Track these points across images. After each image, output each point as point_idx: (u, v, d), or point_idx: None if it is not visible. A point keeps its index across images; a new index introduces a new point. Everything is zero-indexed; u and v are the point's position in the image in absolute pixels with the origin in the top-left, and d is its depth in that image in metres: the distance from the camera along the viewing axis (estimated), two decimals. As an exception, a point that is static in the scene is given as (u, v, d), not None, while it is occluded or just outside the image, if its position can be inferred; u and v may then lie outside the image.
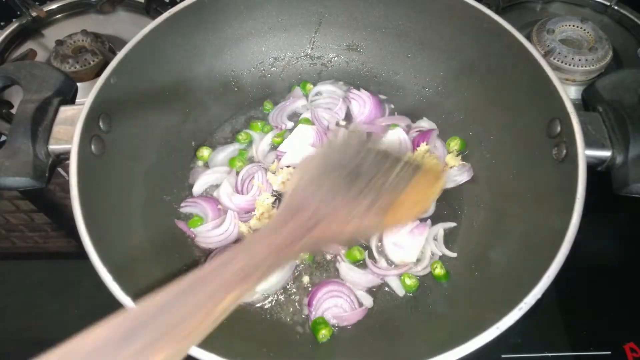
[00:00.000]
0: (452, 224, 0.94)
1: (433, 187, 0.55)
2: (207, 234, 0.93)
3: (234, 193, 0.96)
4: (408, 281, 0.87)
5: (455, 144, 1.01)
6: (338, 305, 0.84)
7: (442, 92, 1.07)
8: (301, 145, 1.01)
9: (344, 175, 0.53)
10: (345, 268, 0.88)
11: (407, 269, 0.88)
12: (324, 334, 0.81)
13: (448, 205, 0.96)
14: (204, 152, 1.03)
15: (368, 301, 0.86)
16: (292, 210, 0.51)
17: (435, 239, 0.92)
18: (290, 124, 1.07)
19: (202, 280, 0.45)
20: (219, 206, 0.96)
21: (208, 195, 0.99)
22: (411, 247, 0.89)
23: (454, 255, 0.90)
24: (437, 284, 0.88)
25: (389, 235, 0.90)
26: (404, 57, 1.09)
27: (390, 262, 0.90)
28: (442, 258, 0.91)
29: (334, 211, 0.49)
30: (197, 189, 0.99)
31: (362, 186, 0.51)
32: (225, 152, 1.04)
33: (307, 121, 1.05)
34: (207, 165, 1.03)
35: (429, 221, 0.93)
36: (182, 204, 0.97)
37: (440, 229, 0.93)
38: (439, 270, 0.88)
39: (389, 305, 0.87)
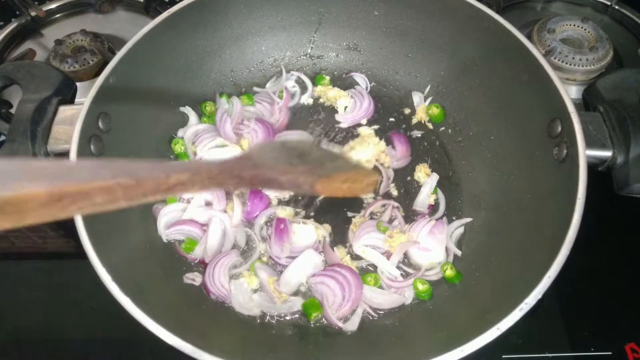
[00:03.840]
0: (468, 219, 0.93)
1: (363, 178, 0.63)
2: (208, 249, 0.89)
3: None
4: (420, 286, 0.86)
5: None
6: (330, 287, 0.83)
7: (442, 92, 1.06)
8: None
9: (290, 154, 0.62)
10: (368, 290, 0.85)
11: (421, 274, 0.87)
12: (315, 315, 0.82)
13: (448, 205, 0.96)
14: None
15: (352, 325, 0.82)
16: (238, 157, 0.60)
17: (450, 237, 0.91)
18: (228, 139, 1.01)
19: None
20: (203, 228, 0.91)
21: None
22: (436, 248, 0.89)
23: (459, 253, 0.90)
24: (437, 285, 0.87)
25: (409, 247, 0.88)
26: (404, 56, 1.09)
27: (418, 268, 0.88)
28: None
29: (273, 164, 0.58)
30: (164, 232, 0.90)
31: (303, 163, 0.61)
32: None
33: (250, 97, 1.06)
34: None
35: (444, 219, 0.93)
36: (166, 232, 0.90)
37: (457, 224, 0.92)
38: (449, 272, 0.87)
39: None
